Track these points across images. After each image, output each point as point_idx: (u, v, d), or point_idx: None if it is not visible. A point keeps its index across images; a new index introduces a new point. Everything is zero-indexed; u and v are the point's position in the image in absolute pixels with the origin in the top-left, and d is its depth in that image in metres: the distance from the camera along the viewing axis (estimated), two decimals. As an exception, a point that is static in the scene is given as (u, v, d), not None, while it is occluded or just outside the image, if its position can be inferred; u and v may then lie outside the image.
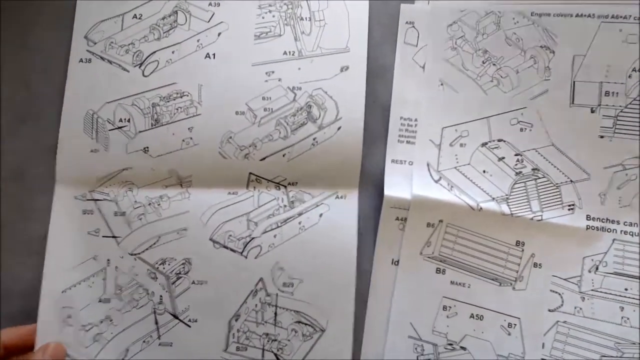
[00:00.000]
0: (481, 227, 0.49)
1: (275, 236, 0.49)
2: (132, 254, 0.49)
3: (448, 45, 0.52)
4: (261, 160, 0.50)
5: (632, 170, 0.49)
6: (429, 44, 0.52)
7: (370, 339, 0.48)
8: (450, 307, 0.48)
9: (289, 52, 0.51)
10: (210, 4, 0.52)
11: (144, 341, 0.48)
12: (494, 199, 0.49)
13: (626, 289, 0.47)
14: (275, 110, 0.50)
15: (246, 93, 0.50)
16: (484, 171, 0.50)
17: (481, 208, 0.49)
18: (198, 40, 0.51)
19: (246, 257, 0.49)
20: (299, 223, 0.49)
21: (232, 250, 0.49)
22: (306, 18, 0.51)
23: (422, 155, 0.50)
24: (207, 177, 0.50)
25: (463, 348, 0.48)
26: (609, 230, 0.48)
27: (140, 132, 0.50)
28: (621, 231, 0.48)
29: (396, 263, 0.49)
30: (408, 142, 0.51)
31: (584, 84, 0.49)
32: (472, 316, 0.48)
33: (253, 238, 0.49)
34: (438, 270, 0.49)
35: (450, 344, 0.48)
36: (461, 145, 0.50)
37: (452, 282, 0.49)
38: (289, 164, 0.50)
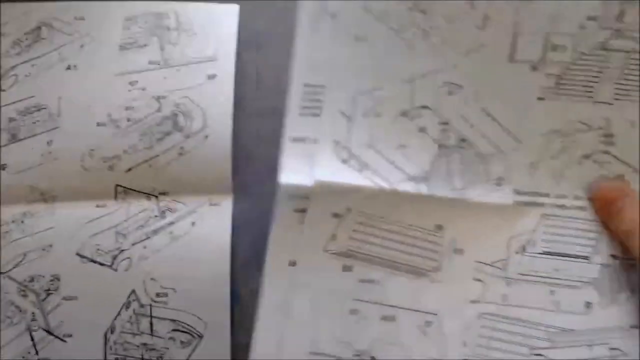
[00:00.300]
0: (396, 213, 0.43)
1: (145, 247, 0.49)
2: (1, 273, 0.49)
3: None
4: (127, 171, 0.50)
5: (570, 137, 0.44)
6: None
7: (262, 357, 0.43)
8: (358, 310, 0.43)
9: (154, 61, 0.51)
10: (75, 18, 0.52)
11: (23, 357, 0.48)
12: (411, 178, 0.43)
13: (557, 270, 0.44)
14: (139, 120, 0.50)
15: (108, 104, 0.50)
16: (402, 145, 0.44)
17: (396, 190, 0.43)
18: (60, 53, 0.51)
19: (116, 270, 0.48)
20: (170, 233, 0.49)
21: (100, 263, 0.49)
22: (173, 28, 0.52)
23: (330, 131, 0.43)
24: (71, 191, 0.49)
25: (372, 358, 0.43)
26: (538, 204, 0.44)
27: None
28: (552, 205, 0.44)
29: (294, 264, 0.43)
30: (313, 115, 0.44)
31: (527, 36, 0.43)
32: (383, 318, 0.43)
33: (122, 250, 0.49)
34: (345, 268, 0.43)
35: (358, 355, 0.43)
36: (377, 115, 0.43)
37: (361, 281, 0.43)
38: (156, 174, 0.50)
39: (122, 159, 0.50)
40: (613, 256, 0.44)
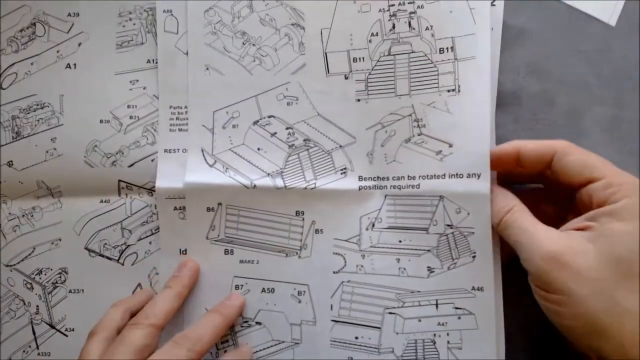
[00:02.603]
0: (259, 204, 0.50)
1: (150, 243, 0.51)
2: (8, 265, 0.50)
3: (208, 30, 0.51)
4: (129, 166, 0.50)
5: (390, 127, 0.50)
6: (189, 30, 0.51)
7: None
8: (242, 285, 0.51)
9: (152, 60, 0.51)
10: (69, 15, 0.51)
11: (24, 351, 0.50)
12: (268, 174, 0.50)
13: (400, 241, 0.50)
14: (142, 117, 0.50)
15: (110, 102, 0.50)
16: (259, 149, 0.51)
17: (255, 185, 0.50)
18: (58, 51, 0.51)
19: (123, 264, 0.50)
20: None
21: (108, 258, 0.50)
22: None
23: (196, 141, 0.51)
24: (76, 187, 0.50)
25: (258, 323, 0.50)
26: (380, 187, 0.50)
27: (2, 145, 0.51)
28: (391, 186, 0.50)
29: (184, 252, 0.50)
30: (180, 129, 0.52)
31: (334, 54, 0.50)
32: (263, 290, 0.51)
33: (129, 245, 0.50)
34: (226, 252, 0.50)
35: (246, 322, 0.50)
36: (234, 126, 0.51)
37: (241, 261, 0.51)
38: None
39: (125, 154, 0.50)
40: (449, 225, 0.50)
